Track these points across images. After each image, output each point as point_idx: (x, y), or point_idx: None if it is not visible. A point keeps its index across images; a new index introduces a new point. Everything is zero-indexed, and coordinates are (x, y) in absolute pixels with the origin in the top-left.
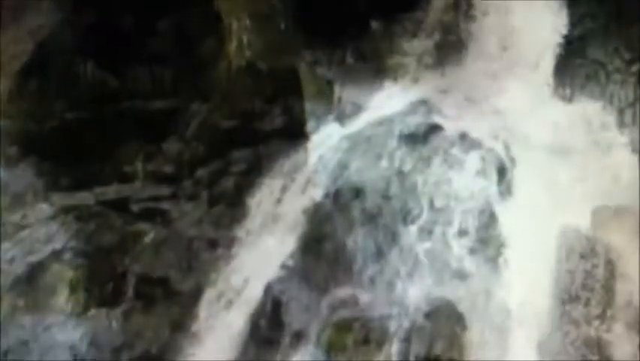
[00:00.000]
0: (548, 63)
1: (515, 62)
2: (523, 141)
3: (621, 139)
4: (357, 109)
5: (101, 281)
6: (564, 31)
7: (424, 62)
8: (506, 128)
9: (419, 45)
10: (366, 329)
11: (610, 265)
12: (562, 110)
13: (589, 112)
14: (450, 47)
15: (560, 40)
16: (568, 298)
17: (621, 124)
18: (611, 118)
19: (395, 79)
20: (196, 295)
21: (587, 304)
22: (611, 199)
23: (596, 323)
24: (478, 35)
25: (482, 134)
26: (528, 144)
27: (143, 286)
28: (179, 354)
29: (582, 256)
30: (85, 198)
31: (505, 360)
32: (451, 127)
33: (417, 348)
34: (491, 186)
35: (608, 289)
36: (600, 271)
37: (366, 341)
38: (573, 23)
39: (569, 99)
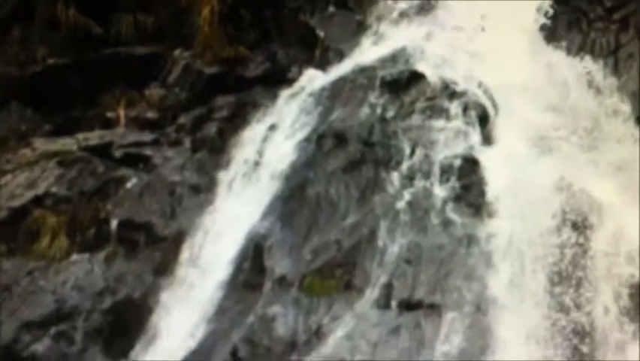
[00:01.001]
0: (532, 11)
1: (498, 9)
2: (507, 88)
3: (605, 83)
4: (340, 56)
5: (84, 227)
6: None
7: (406, 10)
8: (489, 76)
9: None
10: (348, 274)
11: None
12: (546, 58)
13: (573, 62)
14: None
15: None
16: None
17: (604, 72)
18: (595, 66)
19: (377, 27)
20: (179, 240)
21: (578, 285)
22: (600, 151)
23: (589, 307)
24: None
25: (464, 81)
26: (512, 91)
27: (125, 231)
28: (162, 298)
29: (569, 211)
30: (67, 143)
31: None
32: (432, 75)
33: (399, 293)
34: (473, 133)
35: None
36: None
37: (348, 286)
38: None
39: (553, 47)
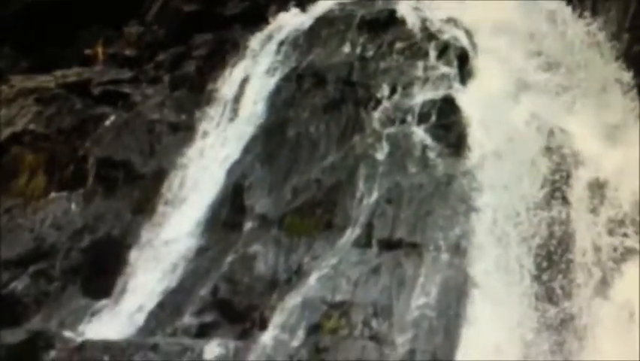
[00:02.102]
0: None
1: None
2: (487, 28)
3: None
4: None
5: (62, 165)
6: None
7: None
8: (469, 15)
9: None
10: (328, 214)
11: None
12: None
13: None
14: None
15: None
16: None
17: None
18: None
19: None
20: (158, 178)
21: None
22: (583, 92)
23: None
24: None
25: (444, 21)
26: (491, 31)
27: (104, 169)
28: (141, 237)
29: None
30: (45, 81)
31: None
32: (412, 14)
33: (379, 233)
34: (452, 72)
35: None
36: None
37: (328, 225)
38: None
39: None
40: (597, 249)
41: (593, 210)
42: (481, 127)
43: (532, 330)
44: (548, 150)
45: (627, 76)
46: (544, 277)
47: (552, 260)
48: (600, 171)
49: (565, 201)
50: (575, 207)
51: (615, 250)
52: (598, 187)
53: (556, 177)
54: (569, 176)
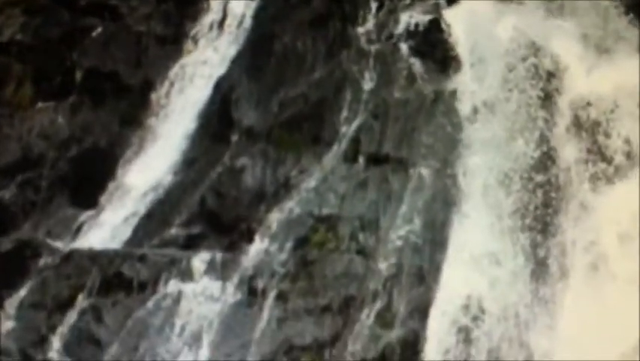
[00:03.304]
0: None
1: None
2: None
3: None
4: None
5: (49, 75)
6: None
7: None
8: None
9: None
10: (315, 128)
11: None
12: None
13: None
14: None
15: None
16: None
17: None
18: None
19: None
20: (145, 90)
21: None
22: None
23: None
24: None
25: None
26: None
27: (91, 80)
28: (129, 148)
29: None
30: None
31: None
32: None
33: (366, 147)
34: None
35: None
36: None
37: (315, 140)
38: None
39: None
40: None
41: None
42: (466, 43)
43: None
44: (535, 67)
45: None
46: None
47: None
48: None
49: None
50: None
51: None
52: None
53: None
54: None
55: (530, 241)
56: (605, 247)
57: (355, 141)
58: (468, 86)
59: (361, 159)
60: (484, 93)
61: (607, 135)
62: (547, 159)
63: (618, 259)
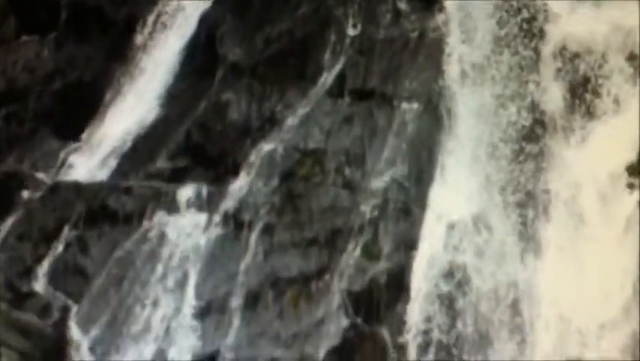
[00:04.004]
0: None
1: None
2: None
3: None
4: None
5: (34, 8)
6: None
7: None
8: None
9: None
10: (301, 63)
11: None
12: None
13: None
14: None
15: None
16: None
17: None
18: None
19: None
20: (130, 25)
21: None
22: None
23: None
24: None
25: None
26: None
27: (76, 15)
28: (113, 82)
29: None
30: None
31: None
32: None
33: (351, 83)
34: None
35: None
36: None
37: (301, 75)
38: None
39: None
40: None
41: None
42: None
43: None
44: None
45: None
46: None
47: None
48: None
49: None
50: None
51: None
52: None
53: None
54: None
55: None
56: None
57: (341, 77)
58: (456, 48)
59: (346, 95)
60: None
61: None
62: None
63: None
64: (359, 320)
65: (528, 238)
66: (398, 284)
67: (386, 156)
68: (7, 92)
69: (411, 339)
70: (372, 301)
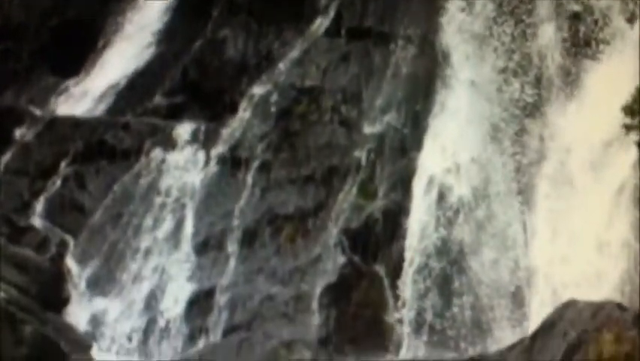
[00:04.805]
0: None
1: None
2: None
3: None
4: None
5: None
6: None
7: None
8: None
9: None
10: (297, 2)
11: None
12: None
13: None
14: None
15: None
16: None
17: None
18: None
19: None
20: None
21: None
22: None
23: None
24: None
25: None
26: None
27: None
28: (110, 19)
29: None
30: None
31: None
32: None
33: (348, 21)
34: None
35: None
36: None
37: (297, 14)
38: None
39: None
40: None
41: None
42: None
43: None
44: None
45: None
46: None
47: None
48: None
49: None
50: None
51: None
52: None
53: None
54: None
55: None
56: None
57: (337, 16)
58: (455, 16)
59: (343, 34)
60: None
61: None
62: None
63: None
64: (356, 258)
65: (522, 187)
66: (395, 221)
67: (383, 94)
68: (2, 29)
69: (406, 266)
70: (369, 239)
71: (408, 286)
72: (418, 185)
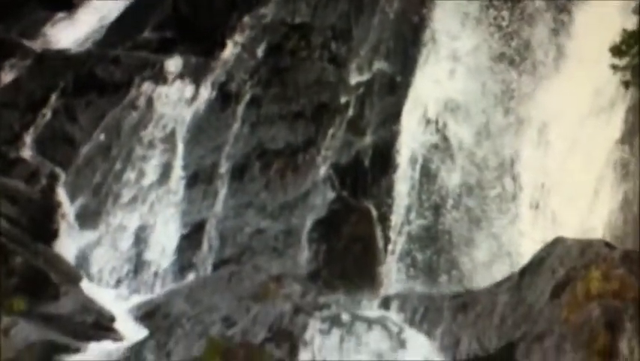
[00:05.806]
0: None
1: None
2: None
3: None
4: None
5: None
6: None
7: None
8: None
9: None
10: None
11: None
12: None
13: None
14: None
15: None
16: None
17: None
18: None
19: None
20: None
21: None
22: None
23: None
24: None
25: None
26: None
27: None
28: None
29: None
30: None
31: None
32: None
33: None
34: None
35: None
36: None
37: None
38: None
39: None
40: None
41: None
42: None
43: None
44: None
45: None
46: None
47: None
48: None
49: None
50: None
51: None
52: None
53: None
54: None
55: None
56: None
57: None
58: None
59: None
60: None
61: None
62: None
63: None
64: (345, 193)
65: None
66: (384, 157)
67: (372, 32)
68: None
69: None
70: (358, 175)
71: (397, 220)
72: (407, 119)
